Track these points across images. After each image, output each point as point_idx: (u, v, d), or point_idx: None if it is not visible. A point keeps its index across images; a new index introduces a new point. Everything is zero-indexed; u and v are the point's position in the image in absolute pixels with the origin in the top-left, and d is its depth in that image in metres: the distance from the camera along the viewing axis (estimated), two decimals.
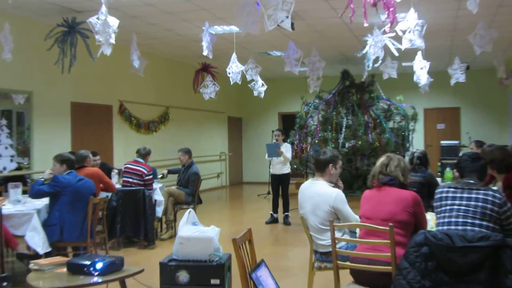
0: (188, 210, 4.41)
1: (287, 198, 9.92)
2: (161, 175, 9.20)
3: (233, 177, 17.84)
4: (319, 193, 4.47)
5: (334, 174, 4.61)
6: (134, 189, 7.76)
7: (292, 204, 10.14)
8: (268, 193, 13.92)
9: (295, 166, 12.86)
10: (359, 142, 12.14)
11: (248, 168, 18.57)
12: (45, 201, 6.14)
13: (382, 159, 4.07)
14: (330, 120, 12.83)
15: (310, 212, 4.51)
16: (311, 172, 11.86)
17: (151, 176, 7.98)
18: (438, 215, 3.65)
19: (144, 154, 8.23)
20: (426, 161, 6.31)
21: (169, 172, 9.39)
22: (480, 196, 3.48)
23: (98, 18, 5.30)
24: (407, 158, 6.61)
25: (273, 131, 10.43)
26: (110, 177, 8.28)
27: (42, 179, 6.08)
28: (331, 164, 4.56)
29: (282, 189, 9.90)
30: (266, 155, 9.76)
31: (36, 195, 5.92)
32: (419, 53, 8.25)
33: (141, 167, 7.97)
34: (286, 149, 9.72)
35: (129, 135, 11.87)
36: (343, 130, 12.40)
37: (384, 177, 3.94)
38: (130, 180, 7.91)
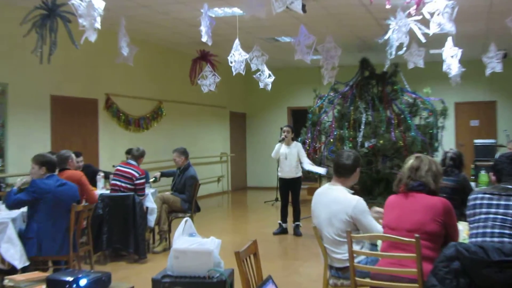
0: (185, 219, 4.39)
1: (298, 206, 9.93)
2: (153, 179, 9.24)
3: (236, 182, 17.87)
4: (336, 200, 4.47)
5: (356, 178, 4.68)
6: (123, 195, 7.79)
7: (303, 212, 10.16)
8: (276, 199, 13.95)
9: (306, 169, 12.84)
10: (381, 141, 12.05)
11: (253, 171, 18.59)
12: (22, 209, 6.14)
13: (411, 161, 4.09)
14: (347, 116, 12.79)
15: (325, 222, 4.51)
16: (326, 176, 11.79)
17: (142, 180, 8.01)
18: (472, 225, 3.64)
19: (137, 155, 8.27)
20: (461, 163, 6.28)
21: (162, 175, 9.42)
22: None
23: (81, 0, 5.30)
24: (438, 160, 6.59)
25: (281, 128, 10.41)
26: (95, 181, 8.30)
27: (16, 189, 6.04)
28: (359, 168, 4.62)
29: (292, 195, 9.90)
30: (273, 152, 9.81)
31: (14, 205, 5.90)
32: (450, 39, 8.23)
33: (132, 169, 8.01)
34: (298, 148, 9.71)
35: (116, 133, 11.90)
36: (362, 127, 12.35)
37: (412, 182, 3.96)
38: (119, 183, 7.94)
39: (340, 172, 4.60)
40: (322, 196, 4.62)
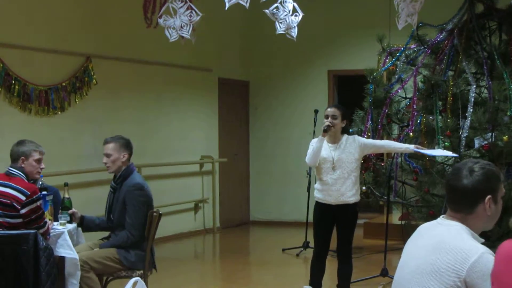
0: (132, 280, 3.51)
1: (350, 257, 6.52)
2: (64, 216, 5.75)
3: (230, 212, 12.40)
4: (443, 246, 2.98)
5: (490, 215, 3.01)
6: (14, 233, 4.90)
7: (358, 269, 7.26)
8: (306, 245, 9.77)
9: (363, 188, 9.09)
10: (504, 137, 8.39)
11: (263, 192, 12.92)
12: None
13: None
14: (442, 89, 9.04)
15: (411, 278, 2.99)
16: (401, 201, 8.68)
17: (35, 204, 5.01)
18: None
19: (13, 154, 5.32)
20: None
21: (85, 222, 5.90)
22: None
23: None
24: None
25: (316, 111, 8.66)
26: None
27: None
28: (489, 197, 2.96)
29: (341, 236, 6.50)
30: (308, 155, 6.40)
31: None
32: None
33: (11, 187, 5.10)
34: (357, 145, 6.43)
35: (6, 118, 8.18)
36: (470, 110, 8.71)
37: None
38: None
39: (454, 202, 3.06)
40: (423, 236, 3.14)
